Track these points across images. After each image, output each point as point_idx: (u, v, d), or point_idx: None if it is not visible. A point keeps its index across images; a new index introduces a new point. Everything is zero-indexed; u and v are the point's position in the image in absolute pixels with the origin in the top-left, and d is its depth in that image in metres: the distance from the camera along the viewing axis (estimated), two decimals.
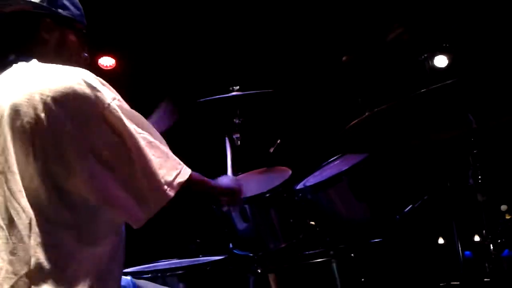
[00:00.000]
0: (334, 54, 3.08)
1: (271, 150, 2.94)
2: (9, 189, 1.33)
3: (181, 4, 4.19)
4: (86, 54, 1.63)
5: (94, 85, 1.35)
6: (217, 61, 4.15)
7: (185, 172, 1.42)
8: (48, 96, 1.32)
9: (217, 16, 4.20)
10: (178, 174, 1.40)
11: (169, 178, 1.38)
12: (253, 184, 2.75)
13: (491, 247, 2.03)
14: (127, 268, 2.55)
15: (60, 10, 1.53)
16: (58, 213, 1.33)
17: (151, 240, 3.93)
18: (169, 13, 4.24)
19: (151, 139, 1.39)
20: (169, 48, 4.38)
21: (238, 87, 2.99)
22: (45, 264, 1.29)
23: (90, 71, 1.43)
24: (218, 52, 4.18)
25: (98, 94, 1.35)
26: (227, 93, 2.97)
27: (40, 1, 1.50)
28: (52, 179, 1.32)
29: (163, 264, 2.76)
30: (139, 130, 1.38)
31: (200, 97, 3.01)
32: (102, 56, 4.52)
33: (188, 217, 4.00)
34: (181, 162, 1.44)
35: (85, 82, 1.35)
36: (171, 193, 1.38)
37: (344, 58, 2.80)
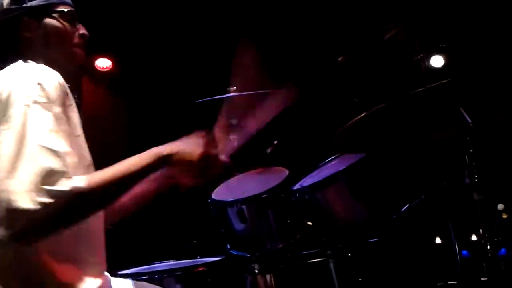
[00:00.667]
0: (330, 54, 3.08)
1: (269, 150, 2.94)
2: None
3: (178, 5, 4.19)
4: (82, 32, 1.55)
5: (19, 83, 1.29)
6: (214, 61, 4.14)
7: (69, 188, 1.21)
8: None
9: (213, 17, 4.20)
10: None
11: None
12: (250, 184, 2.75)
13: (488, 246, 2.03)
14: (125, 270, 2.55)
15: (30, 3, 1.47)
16: None
17: (148, 242, 3.93)
18: (166, 14, 4.24)
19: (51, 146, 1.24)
20: (166, 49, 4.38)
21: (235, 87, 2.99)
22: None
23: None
24: (215, 53, 4.18)
25: (14, 95, 1.27)
26: (224, 94, 2.97)
27: (7, 4, 1.46)
28: None
29: (160, 265, 2.75)
30: (30, 143, 1.23)
31: (198, 97, 3.01)
32: (98, 58, 4.51)
33: (185, 218, 4.00)
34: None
35: (14, 80, 1.30)
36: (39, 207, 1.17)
37: (340, 58, 2.80)
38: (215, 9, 4.18)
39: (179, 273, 2.46)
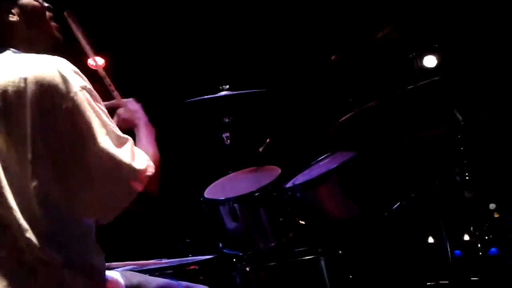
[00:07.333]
0: (323, 53, 3.08)
1: (261, 149, 2.94)
2: None
3: (170, 3, 4.18)
4: (47, 5, 1.54)
5: (64, 73, 1.30)
6: (206, 60, 4.14)
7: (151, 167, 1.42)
8: (21, 87, 1.28)
9: (206, 15, 4.19)
10: (147, 167, 1.38)
11: (140, 175, 1.36)
12: (243, 183, 2.75)
13: (479, 245, 2.04)
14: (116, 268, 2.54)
15: None
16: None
17: (141, 240, 3.92)
18: (158, 13, 4.23)
19: (118, 132, 1.37)
20: (158, 47, 4.37)
21: (227, 86, 2.99)
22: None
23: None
24: (208, 52, 4.17)
25: (66, 83, 1.29)
26: (217, 93, 2.97)
27: None
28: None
29: (152, 263, 2.74)
30: (107, 122, 1.34)
31: (189, 97, 3.00)
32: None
33: (178, 217, 3.99)
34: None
35: (57, 70, 1.30)
36: (140, 187, 1.35)
37: (333, 57, 2.80)
38: (206, 8, 4.18)
39: (170, 271, 2.45)
